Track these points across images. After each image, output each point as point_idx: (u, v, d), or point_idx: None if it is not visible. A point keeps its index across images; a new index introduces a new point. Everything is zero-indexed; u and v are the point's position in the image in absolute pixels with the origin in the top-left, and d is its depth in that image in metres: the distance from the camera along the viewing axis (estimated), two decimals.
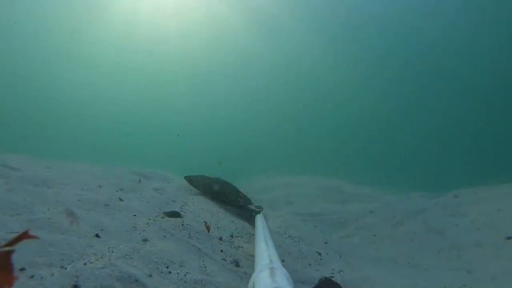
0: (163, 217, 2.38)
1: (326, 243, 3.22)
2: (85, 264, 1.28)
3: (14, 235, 0.93)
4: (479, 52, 17.16)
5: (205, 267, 1.71)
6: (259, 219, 2.82)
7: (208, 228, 2.22)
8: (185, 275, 1.50)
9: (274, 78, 20.77)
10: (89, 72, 19.39)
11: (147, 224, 2.08)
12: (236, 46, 18.98)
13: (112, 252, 1.46)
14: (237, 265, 1.93)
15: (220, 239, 2.35)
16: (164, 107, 21.10)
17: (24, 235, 0.90)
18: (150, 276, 1.37)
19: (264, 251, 1.47)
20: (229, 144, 19.19)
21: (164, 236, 1.96)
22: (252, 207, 3.72)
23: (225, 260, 1.96)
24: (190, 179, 3.99)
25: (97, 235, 1.64)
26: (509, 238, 2.76)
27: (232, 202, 3.75)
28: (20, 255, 1.22)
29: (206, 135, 19.74)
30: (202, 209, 3.04)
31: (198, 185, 3.91)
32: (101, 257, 1.38)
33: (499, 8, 15.24)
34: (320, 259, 2.52)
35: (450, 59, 17.67)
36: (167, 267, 1.53)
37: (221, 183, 3.98)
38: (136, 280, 1.26)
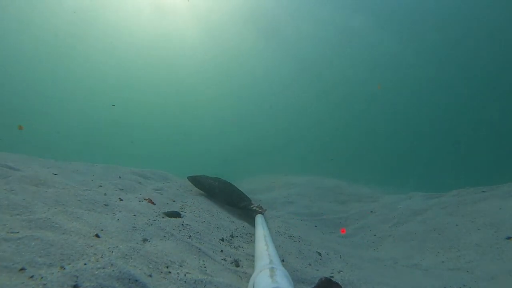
0: (163, 217, 2.38)
1: (326, 243, 3.22)
2: (85, 264, 1.27)
3: None
4: (479, 52, 17.17)
5: (205, 267, 1.71)
6: (259, 219, 2.82)
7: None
8: (185, 275, 1.50)
9: (274, 78, 20.78)
10: (89, 72, 19.40)
11: (147, 224, 2.08)
12: (238, 47, 18.99)
13: (112, 252, 1.46)
14: (237, 265, 1.92)
15: (221, 239, 2.35)
16: (164, 107, 21.11)
17: None
18: (150, 276, 1.37)
19: (264, 251, 1.48)
20: (229, 144, 19.20)
21: (164, 236, 1.96)
22: (253, 207, 3.73)
23: (225, 260, 1.95)
24: (192, 179, 4.01)
25: (97, 235, 1.64)
26: (509, 238, 2.76)
27: (233, 202, 3.75)
28: (20, 255, 1.22)
29: (206, 135, 19.75)
30: (202, 209, 3.04)
31: (200, 185, 3.92)
32: (101, 257, 1.38)
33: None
34: (320, 259, 2.52)
35: (449, 60, 17.69)
36: (167, 267, 1.53)
37: (223, 183, 3.99)
38: (136, 280, 1.26)
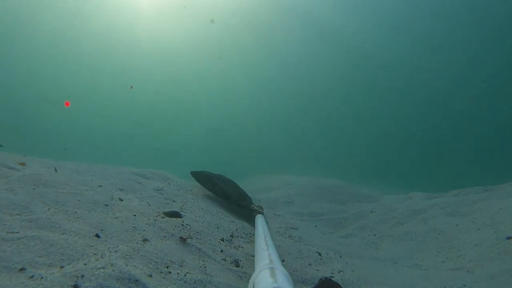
0: (163, 217, 2.37)
1: (326, 243, 3.22)
2: (85, 264, 1.27)
3: None
4: (478, 53, 17.17)
5: (205, 267, 1.71)
6: (259, 219, 2.82)
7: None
8: (185, 275, 1.50)
9: (274, 77, 20.78)
10: (88, 72, 19.40)
11: (147, 224, 2.08)
12: (237, 46, 18.98)
13: (112, 252, 1.46)
14: (237, 265, 1.92)
15: (221, 239, 2.35)
16: (164, 107, 21.13)
17: None
18: (150, 276, 1.37)
19: (264, 251, 1.48)
20: (229, 144, 19.21)
21: (164, 236, 1.96)
22: (253, 207, 3.73)
23: (225, 260, 1.95)
24: (195, 174, 4.05)
25: (97, 235, 1.64)
26: (509, 238, 2.76)
27: (235, 199, 3.75)
28: (20, 255, 1.22)
29: (207, 135, 19.76)
30: (202, 209, 3.04)
31: (202, 181, 3.94)
32: (101, 257, 1.38)
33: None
34: (320, 259, 2.52)
35: (451, 60, 17.70)
36: (167, 267, 1.53)
37: (225, 180, 4.00)
38: (136, 280, 1.26)
